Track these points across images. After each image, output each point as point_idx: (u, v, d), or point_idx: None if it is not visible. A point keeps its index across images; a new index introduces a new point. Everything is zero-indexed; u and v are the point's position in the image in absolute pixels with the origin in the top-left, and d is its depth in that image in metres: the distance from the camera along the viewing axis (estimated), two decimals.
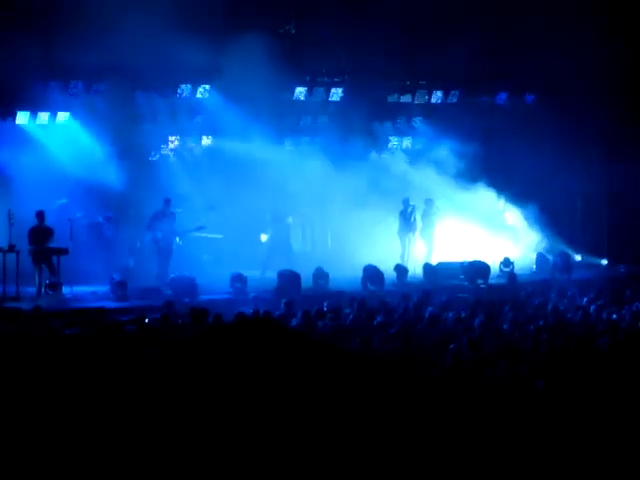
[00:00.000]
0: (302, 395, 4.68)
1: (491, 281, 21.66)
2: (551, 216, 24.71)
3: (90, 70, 21.25)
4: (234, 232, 22.22)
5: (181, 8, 20.27)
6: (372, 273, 20.37)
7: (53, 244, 19.07)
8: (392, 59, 24.59)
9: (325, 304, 16.14)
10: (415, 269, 22.02)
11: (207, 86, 22.91)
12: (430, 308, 15.88)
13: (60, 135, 21.56)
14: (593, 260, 25.28)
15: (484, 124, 25.39)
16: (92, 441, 5.61)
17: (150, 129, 22.56)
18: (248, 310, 15.92)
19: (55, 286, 18.53)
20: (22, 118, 21.13)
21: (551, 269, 23.01)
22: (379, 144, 25.46)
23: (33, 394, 8.25)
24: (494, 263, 22.62)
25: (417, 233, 23.47)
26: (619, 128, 24.95)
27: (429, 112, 25.75)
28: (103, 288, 19.21)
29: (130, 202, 21.56)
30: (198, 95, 23.01)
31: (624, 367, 11.63)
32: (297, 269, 19.92)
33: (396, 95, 25.65)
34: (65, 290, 18.65)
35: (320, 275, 20.23)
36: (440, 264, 22.25)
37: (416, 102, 25.67)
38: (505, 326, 14.40)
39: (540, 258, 23.76)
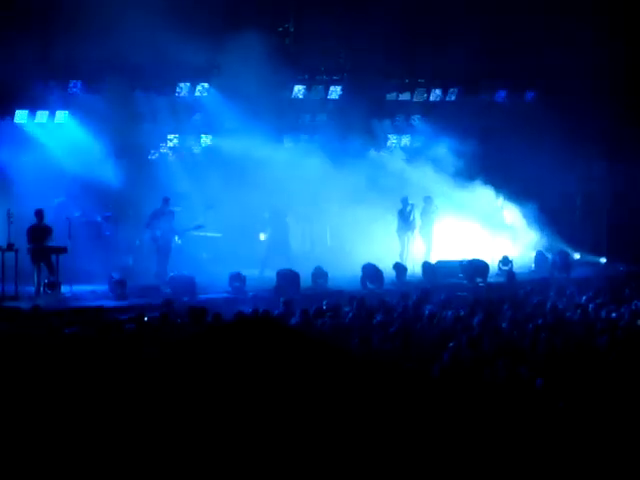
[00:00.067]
0: (301, 394, 4.68)
1: (490, 280, 21.67)
2: (550, 215, 24.71)
3: (89, 69, 21.21)
4: (233, 231, 22.22)
5: (179, 7, 20.28)
6: (371, 272, 20.36)
7: (52, 243, 19.05)
8: (391, 57, 24.60)
9: (324, 303, 16.15)
10: (414, 268, 22.02)
11: (206, 84, 22.91)
12: (429, 306, 15.89)
13: (59, 134, 21.55)
14: (592, 259, 25.29)
15: (483, 122, 25.39)
16: (92, 440, 5.61)
17: (149, 128, 22.55)
18: (247, 309, 15.92)
19: (54, 285, 18.52)
20: (21, 117, 21.12)
21: (550, 268, 23.02)
22: (378, 142, 25.45)
23: (33, 393, 8.24)
24: (493, 262, 22.63)
25: (416, 232, 23.47)
26: (619, 127, 24.95)
27: (428, 110, 25.75)
28: (102, 287, 19.21)
29: (129, 201, 21.54)
30: (197, 93, 23.01)
31: (623, 365, 11.63)
32: (296, 268, 19.92)
33: (395, 93, 25.65)
34: (64, 289, 18.64)
35: (319, 274, 20.23)
36: (439, 263, 22.25)
37: (415, 100, 25.68)
38: (504, 324, 14.42)
39: (539, 257, 23.76)
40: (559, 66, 24.45)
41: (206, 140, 23.67)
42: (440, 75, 25.44)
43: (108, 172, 21.16)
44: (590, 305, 16.34)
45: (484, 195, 24.77)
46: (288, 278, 19.48)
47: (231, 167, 22.42)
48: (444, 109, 25.60)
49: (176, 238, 20.94)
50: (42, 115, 21.23)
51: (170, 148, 23.49)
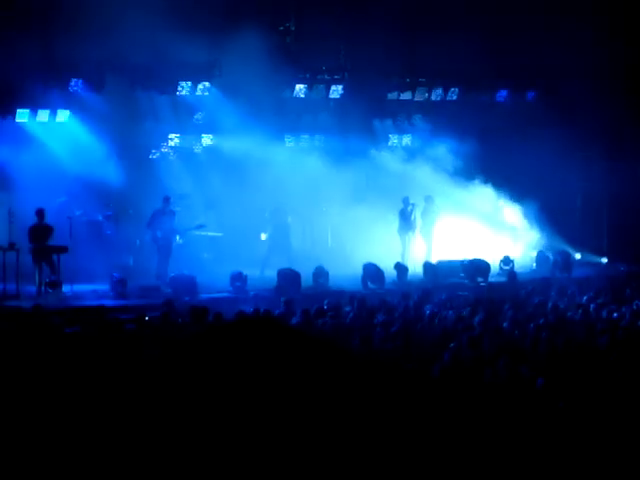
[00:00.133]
0: (302, 394, 4.68)
1: (491, 279, 21.65)
2: (551, 214, 24.70)
3: (90, 68, 21.24)
4: (234, 230, 22.21)
5: (180, 6, 20.29)
6: (372, 271, 20.36)
7: (53, 242, 19.06)
8: (392, 56, 24.61)
9: (325, 302, 16.14)
10: (415, 267, 22.01)
11: (207, 83, 22.90)
12: (430, 306, 15.89)
13: (60, 133, 21.56)
14: (593, 258, 25.28)
15: (484, 122, 25.36)
16: (92, 439, 5.62)
17: (150, 127, 22.56)
18: (248, 309, 15.91)
19: (55, 284, 18.53)
20: (22, 116, 21.12)
21: (551, 267, 23.00)
22: (379, 141, 25.45)
23: (33, 392, 8.25)
24: (494, 261, 22.60)
25: (417, 231, 23.46)
26: (619, 127, 24.96)
27: (429, 110, 25.74)
28: (103, 286, 19.21)
29: (130, 200, 21.55)
30: (198, 93, 23.00)
31: (624, 365, 11.63)
32: (297, 267, 19.91)
33: (396, 92, 25.64)
34: (65, 288, 18.64)
35: (320, 273, 20.22)
36: (440, 262, 22.24)
37: (416, 99, 25.67)
38: (505, 324, 14.42)
39: (540, 256, 23.76)
40: (559, 66, 24.46)
41: (207, 139, 23.66)
42: (441, 74, 25.44)
43: (109, 171, 21.17)
44: (591, 305, 16.34)
45: (485, 195, 24.78)
46: (289, 278, 19.47)
47: (232, 166, 22.43)
48: (445, 109, 25.60)
49: (177, 238, 20.93)
50: (43, 114, 21.24)
51: (171, 147, 23.50)
